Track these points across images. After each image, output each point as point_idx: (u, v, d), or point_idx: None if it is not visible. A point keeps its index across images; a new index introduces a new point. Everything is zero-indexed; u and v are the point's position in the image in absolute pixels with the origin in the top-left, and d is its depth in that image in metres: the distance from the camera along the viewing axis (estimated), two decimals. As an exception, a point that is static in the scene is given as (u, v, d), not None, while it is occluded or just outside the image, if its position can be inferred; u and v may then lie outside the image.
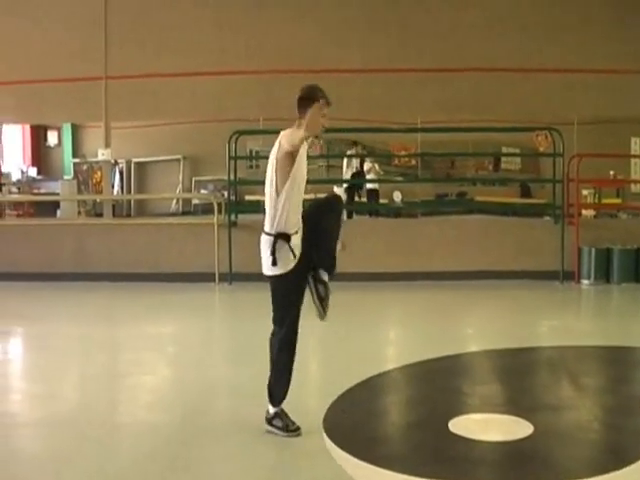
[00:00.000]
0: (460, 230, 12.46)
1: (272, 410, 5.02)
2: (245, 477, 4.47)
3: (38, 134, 17.68)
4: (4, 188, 15.41)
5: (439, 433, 4.97)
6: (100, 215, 14.44)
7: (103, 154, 13.35)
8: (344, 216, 5.93)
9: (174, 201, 17.46)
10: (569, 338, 8.15)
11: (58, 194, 14.97)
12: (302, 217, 4.94)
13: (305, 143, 4.89)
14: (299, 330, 4.97)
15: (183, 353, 7.84)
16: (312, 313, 5.03)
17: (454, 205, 15.87)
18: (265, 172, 4.98)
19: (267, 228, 4.91)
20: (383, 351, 8.10)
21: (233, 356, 7.79)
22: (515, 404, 5.64)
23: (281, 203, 4.83)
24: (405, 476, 4.28)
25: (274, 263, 4.85)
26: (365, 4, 12.97)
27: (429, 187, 15.21)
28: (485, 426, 5.16)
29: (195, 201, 17.01)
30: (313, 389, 6.50)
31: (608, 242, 12.01)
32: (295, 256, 4.84)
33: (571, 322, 9.52)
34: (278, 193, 4.83)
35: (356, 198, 15.08)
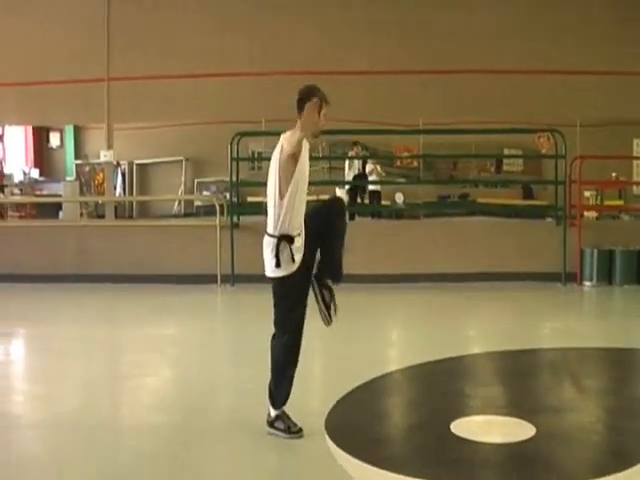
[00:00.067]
0: (462, 232, 12.46)
1: (273, 413, 5.01)
2: (247, 479, 4.47)
3: (40, 136, 17.68)
4: (6, 190, 15.42)
5: (441, 435, 4.96)
6: (102, 217, 14.46)
7: (105, 156, 13.38)
8: (346, 218, 5.91)
9: (176, 203, 17.46)
10: (571, 340, 8.15)
11: (60, 196, 14.98)
12: (305, 220, 4.94)
13: (307, 143, 4.89)
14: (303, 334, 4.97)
15: (185, 355, 7.84)
16: (316, 316, 5.03)
17: (456, 207, 15.86)
18: (267, 173, 4.99)
19: (270, 230, 4.91)
20: (385, 353, 8.10)
21: (235, 358, 7.80)
22: (517, 406, 5.64)
23: (284, 205, 4.83)
24: (407, 478, 4.27)
25: (277, 265, 4.84)
26: (367, 6, 12.99)
27: (431, 189, 15.19)
28: (487, 428, 5.16)
29: (197, 203, 17.00)
30: (315, 391, 6.50)
31: (610, 244, 12.01)
32: (295, 260, 4.83)
33: (573, 324, 9.51)
34: (282, 196, 4.83)
35: (358, 200, 15.07)
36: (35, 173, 17.16)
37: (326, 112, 4.89)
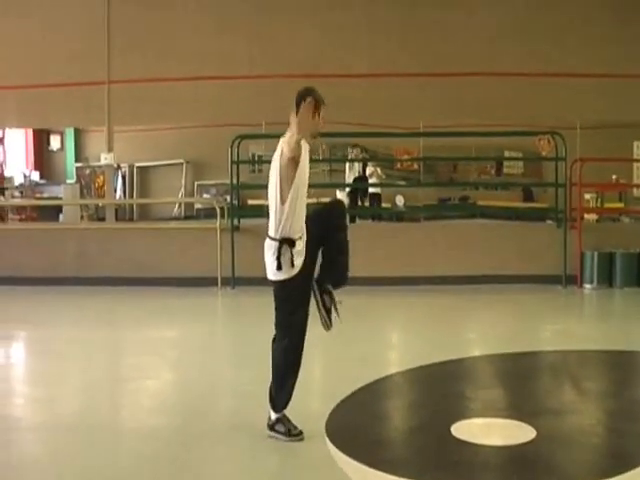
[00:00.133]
0: (462, 234, 12.45)
1: (274, 416, 5.00)
2: (247, 481, 4.48)
3: (41, 138, 17.71)
4: (7, 192, 15.43)
5: (441, 437, 4.96)
6: (103, 219, 14.45)
7: (106, 158, 13.38)
8: (347, 221, 5.91)
9: (177, 205, 17.47)
10: (571, 342, 8.15)
11: (61, 198, 14.97)
12: (306, 223, 4.94)
13: (307, 145, 4.89)
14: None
15: (185, 357, 7.84)
16: (316, 320, 5.02)
17: (457, 209, 15.86)
18: (268, 176, 4.99)
19: (271, 233, 4.91)
20: (385, 355, 8.10)
21: (235, 360, 7.80)
22: (518, 408, 5.64)
23: (285, 210, 4.83)
24: (407, 480, 4.28)
25: (279, 268, 4.84)
26: (367, 9, 12.99)
27: (432, 191, 15.18)
28: (488, 430, 5.16)
29: (198, 205, 17.01)
30: (315, 393, 6.50)
31: (611, 246, 12.00)
32: (295, 264, 4.83)
33: (573, 326, 9.51)
34: (283, 201, 4.83)
35: (359, 202, 15.07)
36: (35, 176, 17.19)
37: (324, 114, 4.89)
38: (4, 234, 12.94)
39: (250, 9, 12.95)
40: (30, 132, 17.30)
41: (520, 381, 6.54)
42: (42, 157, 17.85)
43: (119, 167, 16.25)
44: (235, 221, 12.19)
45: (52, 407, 5.94)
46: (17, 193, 15.83)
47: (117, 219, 14.64)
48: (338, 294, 5.04)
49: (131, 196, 17.29)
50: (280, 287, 4.93)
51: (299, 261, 4.84)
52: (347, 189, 14.81)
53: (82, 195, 15.73)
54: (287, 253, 4.83)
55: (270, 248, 4.90)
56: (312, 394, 6.30)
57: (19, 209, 15.07)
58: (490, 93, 12.65)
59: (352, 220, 13.69)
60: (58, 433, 5.27)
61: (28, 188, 16.22)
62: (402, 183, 15.62)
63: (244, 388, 6.30)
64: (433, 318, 9.81)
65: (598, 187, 13.31)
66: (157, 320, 9.92)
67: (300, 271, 4.86)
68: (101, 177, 15.47)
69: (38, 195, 16.01)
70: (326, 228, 4.96)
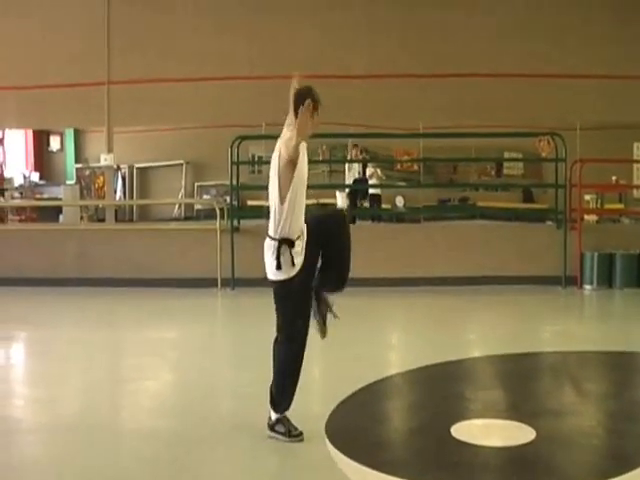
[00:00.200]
0: (462, 235, 12.46)
1: (274, 416, 5.00)
2: (247, 482, 4.48)
3: (41, 139, 17.72)
4: (7, 193, 15.44)
5: (441, 438, 4.96)
6: (103, 220, 14.45)
7: (106, 159, 13.38)
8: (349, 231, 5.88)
9: (176, 206, 17.49)
10: (571, 343, 8.15)
11: (61, 199, 14.99)
12: (307, 226, 4.93)
13: (304, 143, 4.89)
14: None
15: (185, 358, 7.83)
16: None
17: (456, 210, 15.88)
18: (268, 177, 4.99)
19: (271, 233, 4.91)
20: (385, 356, 8.09)
21: (235, 361, 7.80)
22: (517, 409, 5.64)
23: (284, 210, 4.84)
24: (407, 481, 4.28)
25: (278, 267, 4.84)
26: (367, 9, 12.99)
27: (431, 192, 15.19)
28: (487, 431, 5.15)
29: (198, 206, 17.04)
30: (316, 394, 6.49)
31: (610, 247, 12.00)
32: (295, 264, 4.83)
33: (573, 327, 9.51)
34: (282, 201, 4.83)
35: (358, 203, 15.08)
36: (35, 177, 17.21)
37: (318, 113, 4.88)
38: (4, 235, 12.94)
39: (250, 9, 12.95)
40: (30, 133, 17.32)
41: (520, 382, 6.54)
42: (42, 158, 17.86)
43: (119, 168, 16.28)
44: (235, 222, 12.19)
45: (52, 408, 5.93)
46: (17, 194, 15.85)
47: (117, 220, 14.66)
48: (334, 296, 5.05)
49: (131, 197, 17.31)
50: (280, 287, 4.92)
51: (298, 261, 4.84)
52: (347, 190, 14.80)
53: (82, 196, 15.73)
54: (286, 253, 4.83)
55: (269, 248, 4.90)
56: (312, 395, 6.30)
57: (19, 210, 15.08)
58: (490, 94, 12.66)
59: (352, 221, 13.70)
60: (58, 434, 5.26)
61: (28, 189, 16.24)
62: (402, 184, 15.63)
63: (244, 389, 6.30)
64: (433, 319, 9.81)
65: (598, 188, 13.31)
66: (157, 321, 9.92)
67: (300, 271, 4.86)
68: (101, 178, 15.48)
69: (38, 196, 16.03)
70: (326, 238, 4.95)
